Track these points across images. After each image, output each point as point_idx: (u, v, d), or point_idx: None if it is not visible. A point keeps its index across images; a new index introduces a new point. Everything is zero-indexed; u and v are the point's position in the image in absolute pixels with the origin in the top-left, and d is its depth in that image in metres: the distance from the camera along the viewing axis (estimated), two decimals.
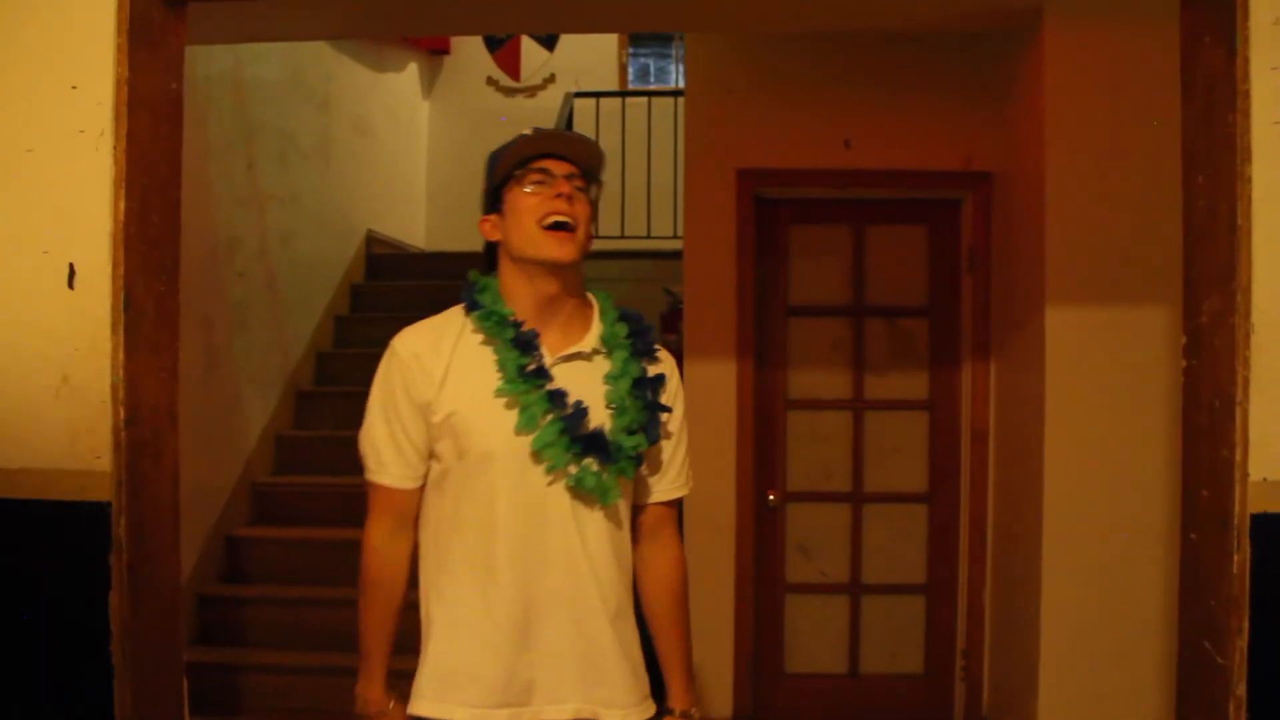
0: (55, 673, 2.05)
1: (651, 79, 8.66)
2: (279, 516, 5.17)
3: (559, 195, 1.90)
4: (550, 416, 1.90)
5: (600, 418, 1.94)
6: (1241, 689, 1.97)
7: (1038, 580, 3.60)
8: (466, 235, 8.05)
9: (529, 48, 7.63)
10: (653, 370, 2.02)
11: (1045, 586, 3.59)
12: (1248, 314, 1.97)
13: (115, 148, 1.96)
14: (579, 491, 1.92)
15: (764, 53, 4.30)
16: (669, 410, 2.04)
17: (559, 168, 1.94)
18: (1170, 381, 3.43)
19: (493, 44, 7.59)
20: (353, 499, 5.05)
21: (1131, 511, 3.50)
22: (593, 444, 1.91)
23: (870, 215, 4.42)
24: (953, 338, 4.37)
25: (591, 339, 1.99)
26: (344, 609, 4.43)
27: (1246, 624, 1.97)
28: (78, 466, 2.01)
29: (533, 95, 7.72)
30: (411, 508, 2.00)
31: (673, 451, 2.09)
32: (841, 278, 4.43)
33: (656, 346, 2.06)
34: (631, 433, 1.95)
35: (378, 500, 2.01)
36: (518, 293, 1.96)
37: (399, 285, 6.65)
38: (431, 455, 1.97)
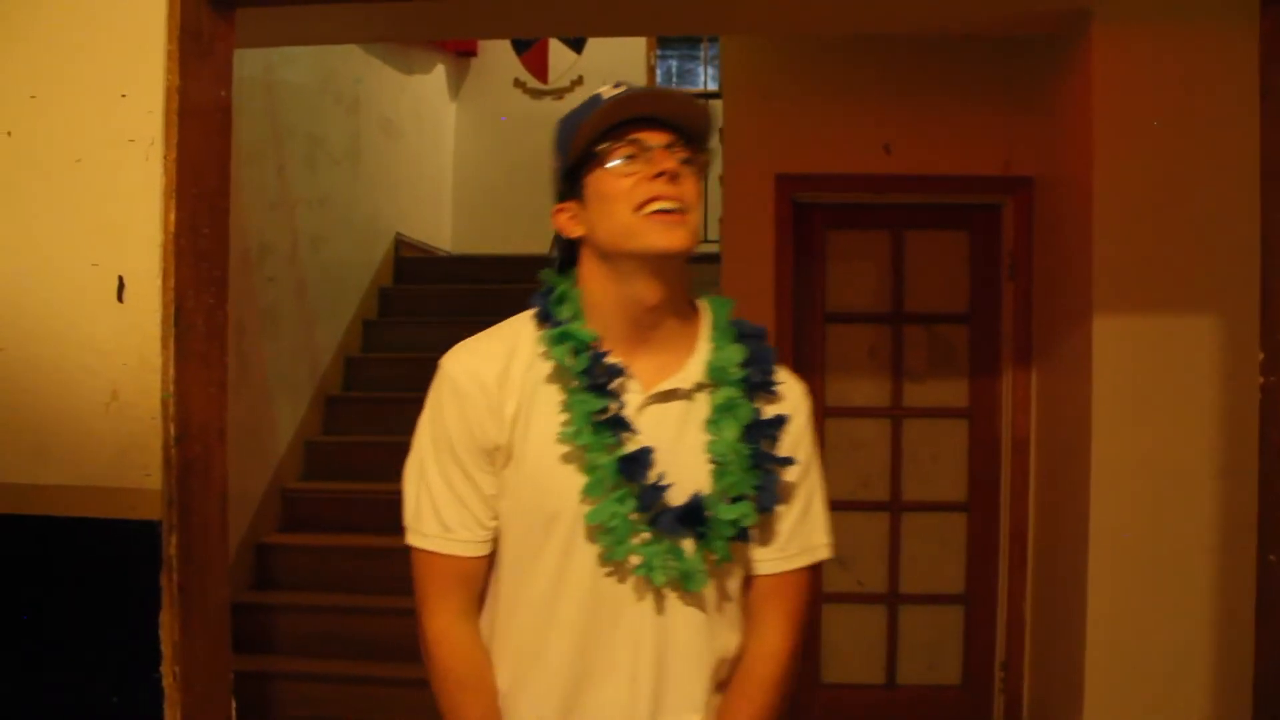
0: (103, 695, 2.01)
1: (674, 80, 8.62)
2: (308, 523, 5.14)
3: (660, 174, 1.46)
4: (623, 489, 1.48)
5: (699, 479, 1.51)
6: None
7: (1083, 592, 3.54)
8: (493, 238, 8.03)
9: (556, 50, 7.58)
10: (771, 410, 1.57)
11: (1091, 599, 3.52)
12: None
13: (166, 157, 1.91)
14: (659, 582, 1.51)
15: (801, 56, 4.25)
16: (788, 463, 1.57)
17: (655, 137, 1.50)
18: (1220, 392, 3.38)
19: (520, 46, 7.56)
20: (382, 505, 5.06)
21: (1179, 524, 3.43)
22: (686, 520, 1.49)
23: (909, 220, 4.36)
24: (993, 345, 4.31)
25: (695, 370, 1.55)
26: (375, 617, 4.46)
27: None
28: (127, 484, 1.96)
29: (560, 97, 7.67)
30: (482, 579, 1.59)
31: (791, 513, 1.62)
32: (879, 284, 4.38)
33: (778, 377, 1.60)
34: (735, 500, 1.51)
35: (439, 575, 1.56)
36: (604, 302, 1.53)
37: (426, 289, 6.63)
38: None
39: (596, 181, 1.50)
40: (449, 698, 1.57)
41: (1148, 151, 3.44)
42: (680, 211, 1.47)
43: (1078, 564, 3.59)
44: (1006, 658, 4.26)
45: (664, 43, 8.20)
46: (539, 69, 7.66)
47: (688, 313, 1.59)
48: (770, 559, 1.62)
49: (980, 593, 4.34)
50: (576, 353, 1.50)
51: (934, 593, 4.39)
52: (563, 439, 1.49)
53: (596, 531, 1.48)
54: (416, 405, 1.63)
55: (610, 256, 1.51)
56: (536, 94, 7.80)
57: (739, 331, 1.59)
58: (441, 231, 7.71)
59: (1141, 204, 3.44)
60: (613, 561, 1.49)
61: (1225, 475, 3.34)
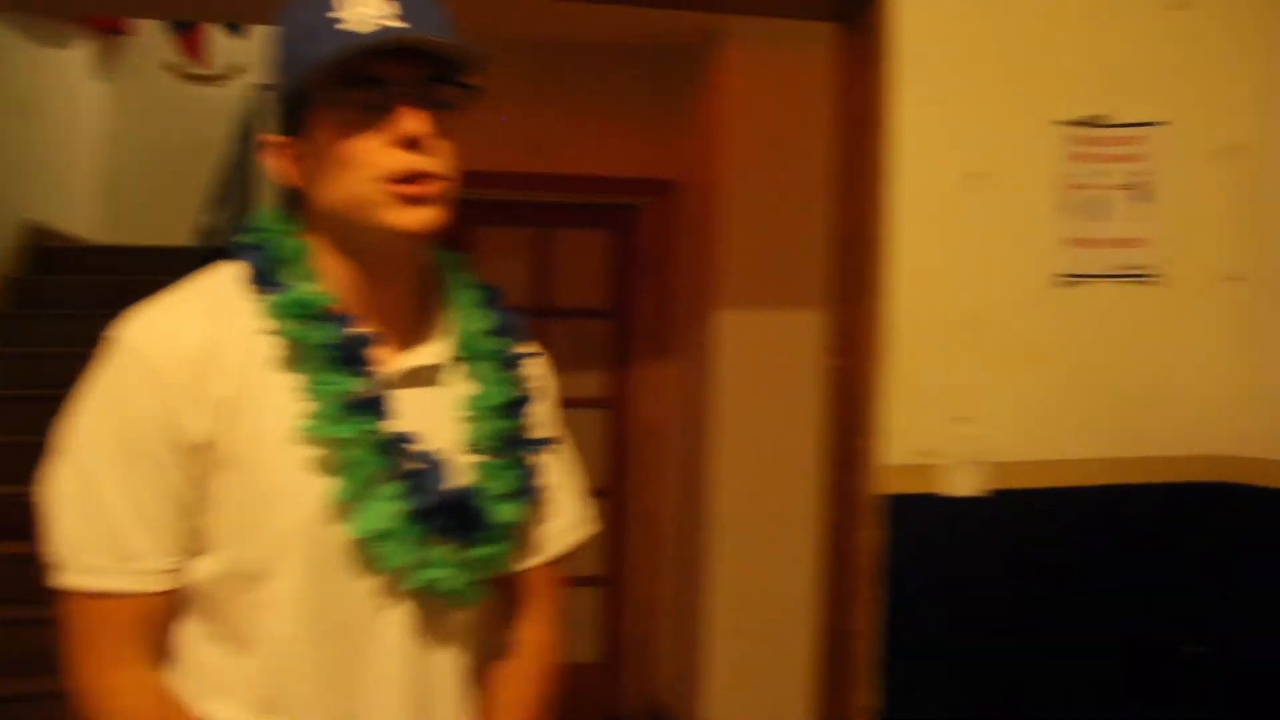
0: None
1: None
2: None
3: (402, 139, 1.10)
4: (389, 484, 1.15)
5: (460, 471, 1.21)
6: (873, 652, 2.21)
7: (706, 568, 3.84)
8: (149, 228, 7.61)
9: (217, 34, 7.26)
10: (527, 387, 1.31)
11: (712, 574, 3.83)
12: (884, 319, 2.21)
13: None
14: (427, 597, 1.19)
15: None
16: (552, 444, 1.35)
17: (405, 72, 1.11)
18: (820, 379, 3.73)
19: (179, 27, 7.18)
20: (12, 508, 4.68)
21: (787, 499, 3.73)
22: (458, 519, 1.18)
23: (555, 219, 4.55)
24: (631, 339, 4.56)
25: (445, 343, 1.25)
26: (23, 630, 4.13)
27: (878, 594, 2.21)
28: None
29: (216, 83, 7.36)
30: (166, 621, 1.18)
31: (556, 497, 1.39)
32: (526, 279, 4.53)
33: (530, 349, 1.35)
34: (504, 494, 1.23)
35: (113, 621, 1.14)
36: (332, 265, 1.19)
37: (68, 280, 6.23)
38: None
39: (328, 133, 1.12)
40: None
41: (766, 161, 3.76)
42: (431, 180, 1.12)
43: (703, 542, 3.88)
44: (640, 635, 4.52)
45: None
46: (197, 53, 7.32)
47: (427, 275, 1.27)
48: (547, 545, 1.39)
49: (617, 575, 4.58)
50: (313, 323, 1.15)
51: (573, 575, 4.56)
52: (307, 432, 1.13)
53: (365, 542, 1.14)
54: (53, 402, 1.19)
55: (337, 222, 1.16)
56: (197, 79, 7.44)
57: (482, 294, 1.31)
58: (87, 219, 7.25)
59: (759, 208, 3.77)
60: (377, 578, 1.16)
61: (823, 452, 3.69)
